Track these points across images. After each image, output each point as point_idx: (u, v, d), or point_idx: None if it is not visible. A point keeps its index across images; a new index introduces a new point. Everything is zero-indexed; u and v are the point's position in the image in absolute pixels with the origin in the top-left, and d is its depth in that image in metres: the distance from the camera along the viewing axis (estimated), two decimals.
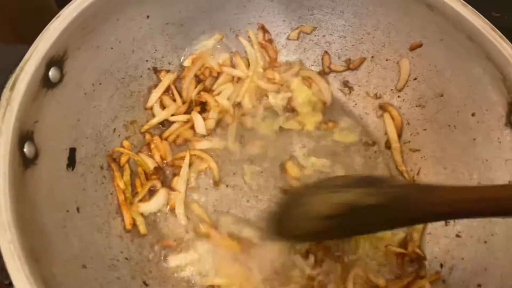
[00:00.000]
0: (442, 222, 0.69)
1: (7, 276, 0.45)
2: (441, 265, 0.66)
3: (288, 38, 0.84)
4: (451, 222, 0.69)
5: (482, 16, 0.65)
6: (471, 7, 0.66)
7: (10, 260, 0.45)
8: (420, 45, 0.74)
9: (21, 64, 0.55)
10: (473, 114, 0.68)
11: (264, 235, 0.67)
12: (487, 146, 0.66)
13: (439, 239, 0.69)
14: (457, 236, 0.67)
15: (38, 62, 0.55)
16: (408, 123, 0.78)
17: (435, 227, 0.70)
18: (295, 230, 0.59)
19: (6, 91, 0.53)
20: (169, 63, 0.78)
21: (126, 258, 0.63)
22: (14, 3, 1.03)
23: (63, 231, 0.56)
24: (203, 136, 0.76)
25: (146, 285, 0.63)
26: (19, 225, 0.47)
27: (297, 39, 0.84)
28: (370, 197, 0.51)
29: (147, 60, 0.75)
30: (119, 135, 0.71)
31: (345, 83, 0.83)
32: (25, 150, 0.52)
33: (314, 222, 0.55)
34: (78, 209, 0.60)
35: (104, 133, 0.69)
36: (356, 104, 0.83)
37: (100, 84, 0.67)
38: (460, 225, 0.68)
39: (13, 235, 0.46)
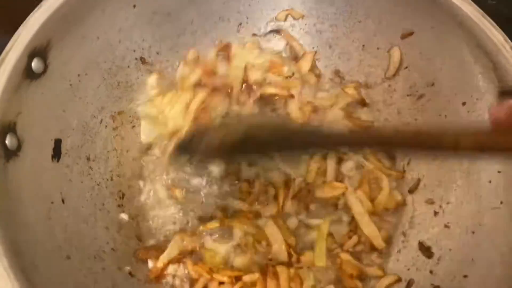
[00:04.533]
0: (432, 213, 0.69)
1: None
2: (429, 256, 0.66)
3: (275, 18, 0.82)
4: (440, 212, 0.68)
5: (473, 3, 0.64)
6: None
7: None
8: (411, 34, 0.73)
9: (2, 55, 0.54)
10: (463, 103, 0.67)
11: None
12: None
13: (428, 229, 0.69)
14: (446, 226, 0.67)
15: (20, 52, 0.55)
16: (399, 113, 0.77)
17: (424, 218, 0.70)
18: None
19: None
20: (157, 53, 0.77)
21: (112, 249, 0.64)
22: None
23: (47, 222, 0.56)
24: None
25: (132, 275, 0.64)
26: (0, 218, 0.47)
27: (284, 20, 0.82)
28: None
29: (134, 50, 0.74)
30: (106, 126, 0.71)
31: (336, 73, 0.82)
32: (6, 142, 0.52)
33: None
34: (63, 201, 0.60)
35: (91, 124, 0.68)
36: None
37: (86, 75, 0.67)
38: (449, 215, 0.67)
39: None
